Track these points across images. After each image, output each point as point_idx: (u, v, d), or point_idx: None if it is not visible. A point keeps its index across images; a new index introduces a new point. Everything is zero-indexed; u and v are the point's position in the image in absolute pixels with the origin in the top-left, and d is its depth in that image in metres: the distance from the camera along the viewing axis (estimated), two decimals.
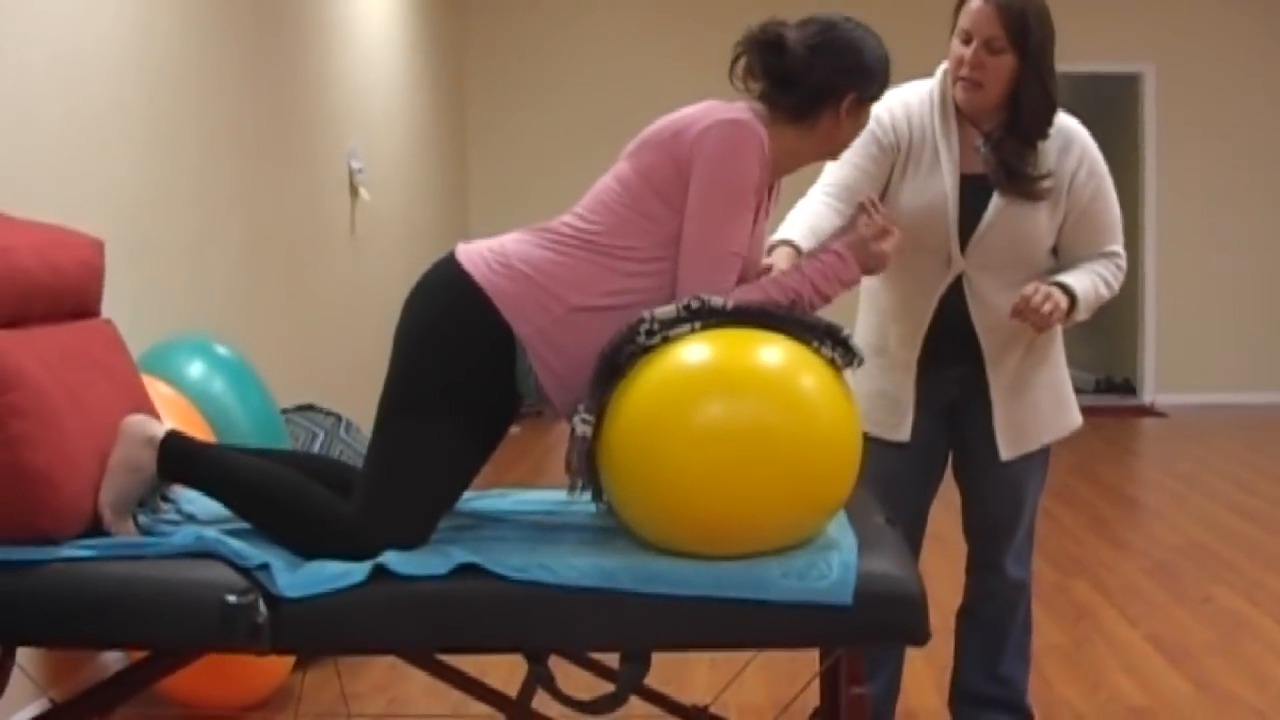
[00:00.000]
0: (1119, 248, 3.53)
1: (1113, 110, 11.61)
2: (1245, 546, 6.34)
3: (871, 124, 3.32)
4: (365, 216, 8.02)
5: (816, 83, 2.88)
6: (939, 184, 3.41)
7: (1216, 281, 11.59)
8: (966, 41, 3.32)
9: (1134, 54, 11.51)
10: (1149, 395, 11.66)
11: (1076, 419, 3.70)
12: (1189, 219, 11.53)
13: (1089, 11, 10.94)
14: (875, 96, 2.95)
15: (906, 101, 3.45)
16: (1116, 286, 3.49)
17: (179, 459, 2.83)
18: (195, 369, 4.43)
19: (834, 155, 3.06)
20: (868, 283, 3.63)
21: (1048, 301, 3.25)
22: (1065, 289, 3.34)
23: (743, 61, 2.92)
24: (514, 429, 9.82)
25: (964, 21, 3.33)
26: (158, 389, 3.91)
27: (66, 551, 2.66)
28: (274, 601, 2.57)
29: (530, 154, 11.48)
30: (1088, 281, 3.40)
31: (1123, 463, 8.80)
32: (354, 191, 7.74)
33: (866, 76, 2.91)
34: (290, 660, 4.15)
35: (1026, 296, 3.25)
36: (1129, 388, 12.06)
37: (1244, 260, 11.59)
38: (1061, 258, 3.52)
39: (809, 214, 3.33)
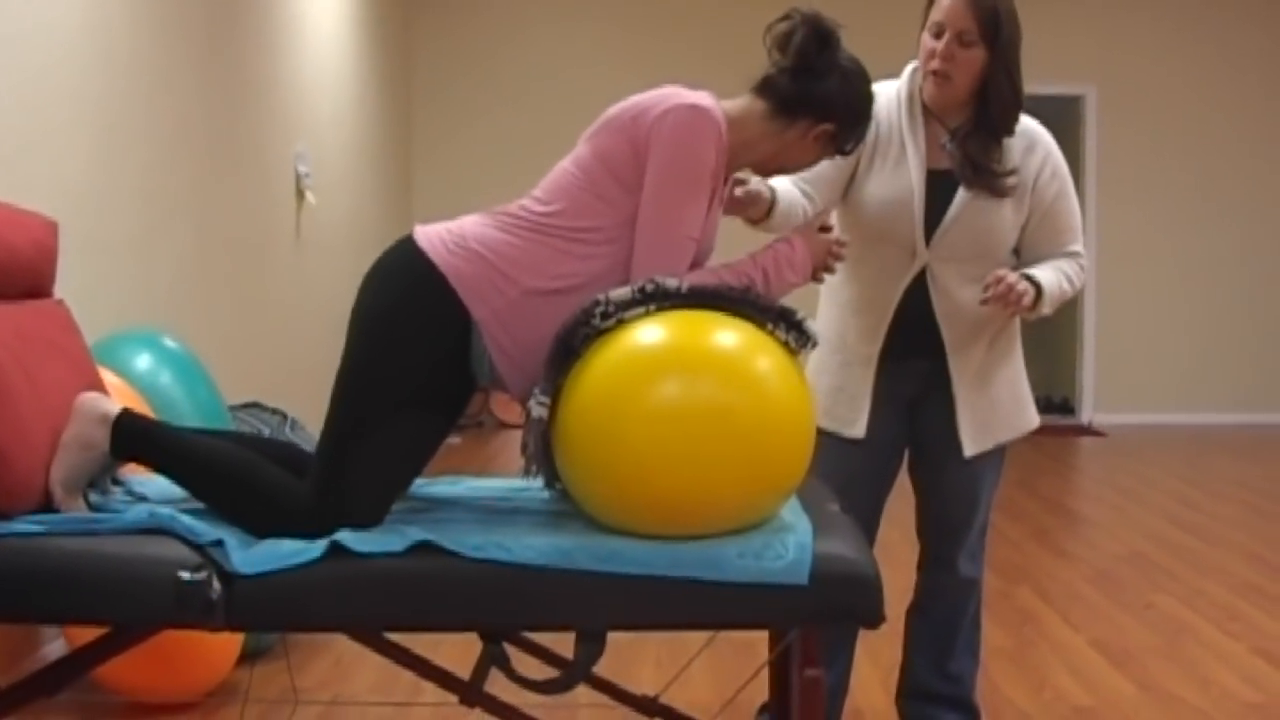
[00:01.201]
0: (1080, 248, 3.57)
1: (1055, 131, 11.62)
2: (1185, 556, 6.40)
3: None
4: (311, 220, 8.00)
5: (821, 93, 2.91)
6: (905, 178, 3.43)
7: (1155, 304, 11.72)
8: (938, 34, 3.36)
9: (1076, 77, 11.64)
10: (1087, 415, 11.76)
11: (1034, 418, 3.73)
12: (1128, 241, 11.65)
13: (1032, 34, 10.89)
14: (842, 145, 2.99)
15: (879, 98, 3.46)
16: (1079, 284, 3.53)
17: (133, 437, 2.81)
18: (143, 361, 4.41)
19: (778, 170, 3.05)
20: (829, 277, 3.64)
21: (1021, 282, 3.29)
22: (1032, 280, 3.38)
23: (785, 27, 2.93)
24: (454, 439, 9.82)
25: (936, 15, 3.37)
26: (106, 379, 3.88)
27: (17, 526, 2.63)
28: (228, 578, 2.56)
29: (474, 166, 11.47)
30: (1053, 276, 3.44)
31: (1063, 478, 8.86)
32: (300, 195, 7.71)
33: (852, 122, 2.96)
34: (236, 650, 4.13)
35: (999, 276, 3.28)
36: (1068, 407, 12.16)
37: (1181, 283, 11.72)
38: (1024, 256, 3.56)
39: (780, 184, 3.35)
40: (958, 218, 3.44)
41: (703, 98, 2.82)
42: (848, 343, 3.60)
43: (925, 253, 3.47)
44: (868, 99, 2.98)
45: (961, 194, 3.43)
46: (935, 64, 3.37)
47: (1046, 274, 3.43)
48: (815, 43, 2.90)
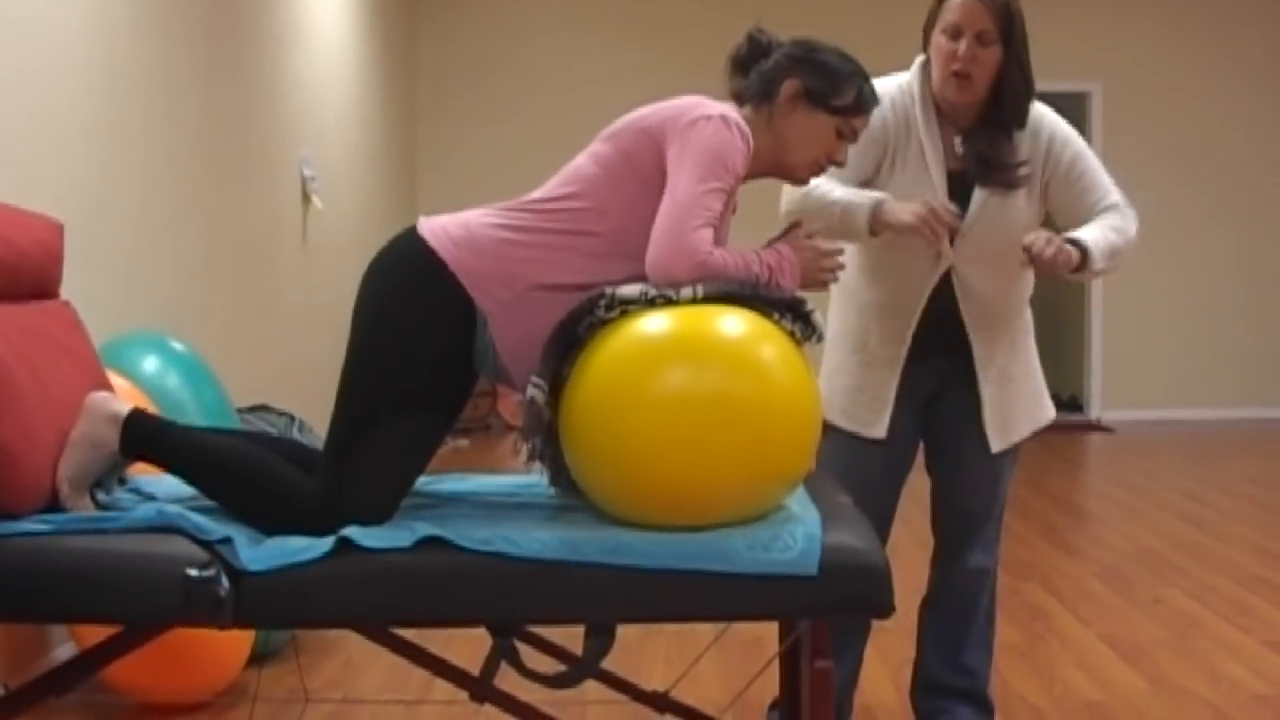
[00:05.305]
0: (1118, 198, 3.46)
1: None
2: (1194, 552, 6.39)
3: None
4: (317, 224, 8.00)
5: (773, 64, 2.94)
6: (926, 182, 3.42)
7: (1161, 301, 11.71)
8: (956, 36, 3.32)
9: (1082, 74, 11.65)
10: (1096, 412, 11.75)
11: (1051, 410, 3.73)
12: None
13: (1039, 32, 10.93)
14: (821, 97, 2.91)
15: (888, 93, 3.45)
16: (1131, 232, 3.40)
17: (142, 435, 2.80)
18: (150, 364, 4.40)
19: (794, 166, 2.97)
20: (847, 281, 3.61)
21: (1050, 246, 3.18)
22: (1075, 242, 3.27)
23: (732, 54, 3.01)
24: (462, 442, 9.83)
25: (950, 16, 3.33)
26: (113, 382, 3.88)
27: (25, 525, 2.62)
28: (236, 575, 2.55)
29: (479, 170, 11.49)
30: (1096, 231, 3.33)
31: (1072, 475, 8.85)
32: (306, 199, 7.72)
33: (814, 68, 2.91)
34: (246, 651, 4.13)
35: (1032, 240, 3.20)
36: (1076, 405, 12.14)
37: (1188, 278, 11.72)
38: (1062, 223, 3.49)
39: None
40: (978, 217, 3.43)
41: (731, 110, 2.84)
42: (870, 345, 3.58)
43: (950, 255, 3.46)
44: (815, 48, 2.95)
45: (978, 193, 3.42)
46: (957, 66, 3.33)
47: (1089, 231, 3.33)
48: (748, 42, 3.00)
